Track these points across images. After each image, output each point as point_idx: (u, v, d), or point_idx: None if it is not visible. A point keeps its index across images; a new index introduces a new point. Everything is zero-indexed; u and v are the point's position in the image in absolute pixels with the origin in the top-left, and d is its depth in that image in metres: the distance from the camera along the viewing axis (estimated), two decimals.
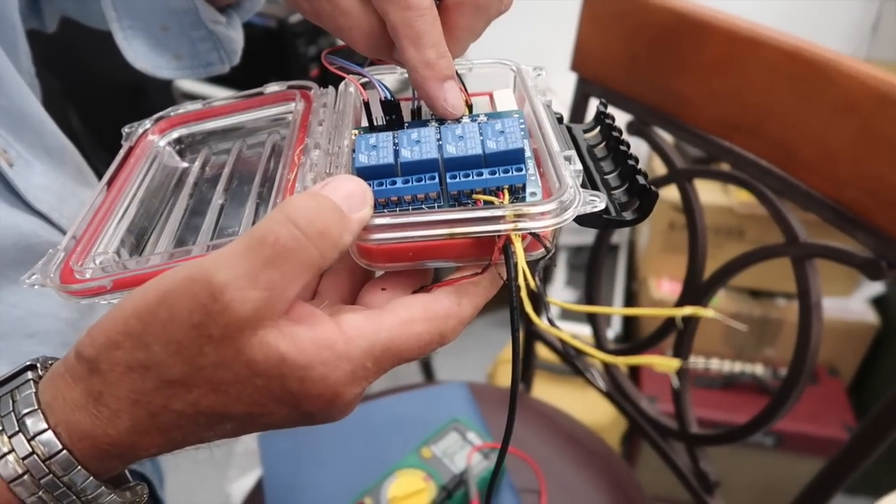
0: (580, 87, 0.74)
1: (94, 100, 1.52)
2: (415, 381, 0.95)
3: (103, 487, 0.28)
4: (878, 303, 1.40)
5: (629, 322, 1.58)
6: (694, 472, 0.70)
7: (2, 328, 0.39)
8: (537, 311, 0.27)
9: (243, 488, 1.32)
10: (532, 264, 0.29)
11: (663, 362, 0.24)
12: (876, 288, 1.41)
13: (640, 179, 0.31)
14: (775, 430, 1.29)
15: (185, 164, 0.42)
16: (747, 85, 0.59)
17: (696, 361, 1.41)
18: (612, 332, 1.51)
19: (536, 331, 0.88)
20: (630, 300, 1.60)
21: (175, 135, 0.43)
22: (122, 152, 0.40)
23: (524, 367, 0.92)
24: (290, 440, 0.77)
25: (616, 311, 0.36)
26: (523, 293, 0.27)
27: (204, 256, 0.26)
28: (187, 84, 1.35)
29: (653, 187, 0.31)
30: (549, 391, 1.31)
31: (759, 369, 1.39)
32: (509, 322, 0.28)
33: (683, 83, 0.64)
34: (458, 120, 0.33)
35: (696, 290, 0.68)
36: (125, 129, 0.42)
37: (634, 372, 1.44)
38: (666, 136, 0.69)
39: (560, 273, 1.57)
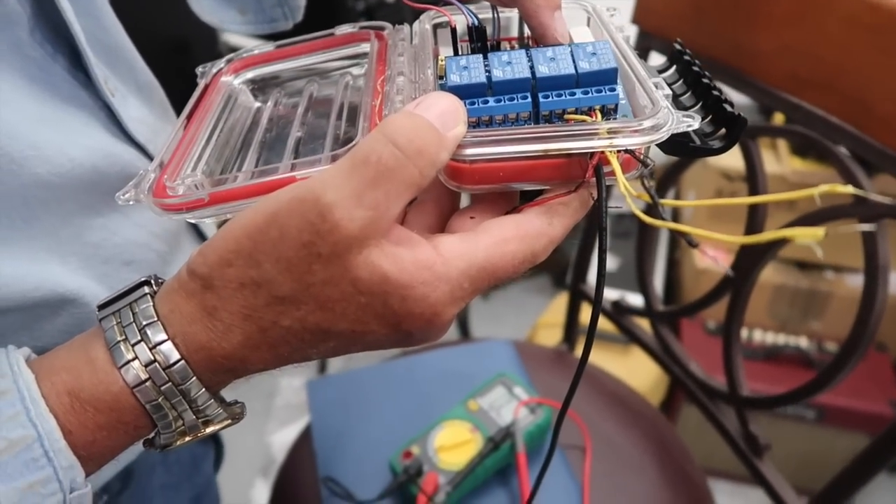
0: (641, 41, 0.72)
1: None
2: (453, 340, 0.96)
3: (213, 399, 0.30)
4: None
5: (670, 290, 1.57)
6: (743, 436, 0.69)
7: (105, 253, 0.41)
8: (652, 215, 0.27)
9: (283, 440, 1.35)
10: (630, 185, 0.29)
11: (805, 232, 0.23)
12: None
13: (727, 107, 0.31)
14: (818, 404, 1.27)
15: (258, 104, 0.43)
16: (822, 38, 0.57)
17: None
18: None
19: (583, 290, 0.87)
20: (672, 268, 1.58)
21: (249, 75, 0.44)
22: (198, 90, 0.41)
23: (569, 328, 0.92)
24: (337, 390, 0.78)
25: (746, 200, 0.33)
26: (629, 200, 0.27)
27: (307, 178, 0.27)
28: (235, 39, 1.35)
29: (740, 114, 0.30)
30: (591, 355, 1.31)
31: (803, 342, 1.37)
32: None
33: (752, 36, 0.61)
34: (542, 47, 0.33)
35: (752, 256, 0.66)
36: (199, 69, 0.43)
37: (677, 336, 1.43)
38: (730, 92, 0.67)
39: None
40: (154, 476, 0.53)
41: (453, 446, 0.66)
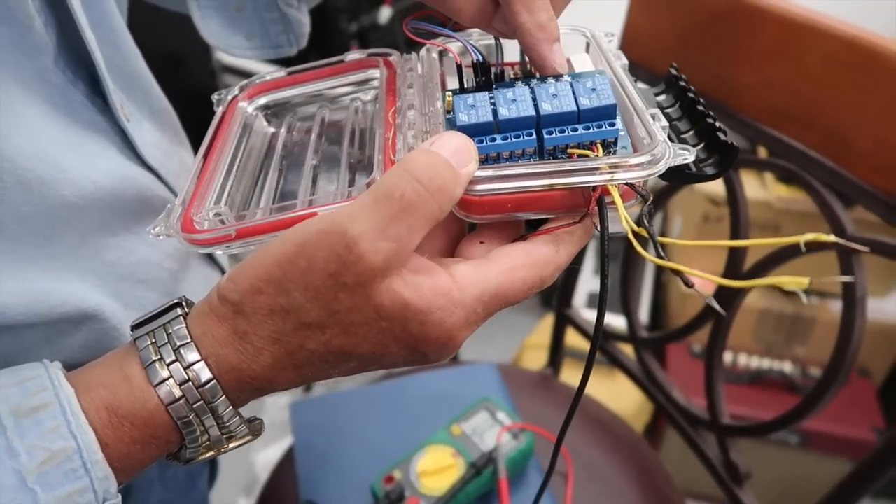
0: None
1: None
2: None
3: (238, 416, 0.32)
4: None
5: (657, 312, 1.57)
6: (724, 464, 0.70)
7: (121, 271, 0.42)
8: (645, 247, 0.29)
9: (266, 458, 1.34)
10: (630, 212, 0.30)
11: (793, 281, 0.24)
12: None
13: (721, 136, 0.32)
14: (801, 429, 1.28)
15: (272, 130, 0.45)
16: (802, 74, 0.58)
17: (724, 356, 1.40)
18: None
19: (568, 315, 0.88)
20: (659, 291, 1.59)
21: (262, 101, 0.45)
22: (216, 117, 0.43)
23: (553, 352, 0.92)
24: (321, 412, 0.78)
25: (737, 243, 0.36)
26: (630, 235, 0.29)
27: (333, 210, 0.29)
28: (228, 58, 1.35)
29: (734, 142, 0.31)
30: (576, 379, 1.32)
31: (787, 367, 1.37)
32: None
33: (735, 70, 0.63)
34: (543, 79, 0.34)
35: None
36: (215, 97, 0.45)
37: (661, 362, 1.43)
38: None
39: (589, 261, 1.57)
40: (152, 492, 0.54)
41: (435, 471, 0.65)
